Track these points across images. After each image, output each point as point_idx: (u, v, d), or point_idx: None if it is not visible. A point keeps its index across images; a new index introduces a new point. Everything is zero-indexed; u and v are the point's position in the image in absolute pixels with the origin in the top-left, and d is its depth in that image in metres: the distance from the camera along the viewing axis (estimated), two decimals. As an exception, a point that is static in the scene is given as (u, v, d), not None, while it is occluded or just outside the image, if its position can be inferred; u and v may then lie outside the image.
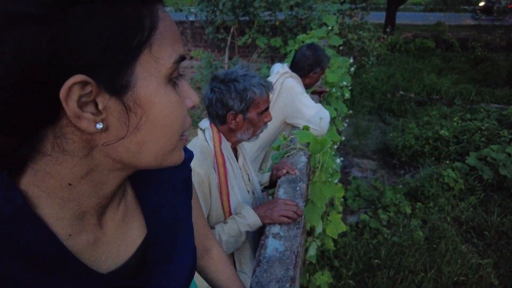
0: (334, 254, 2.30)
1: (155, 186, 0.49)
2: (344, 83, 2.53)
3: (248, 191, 1.18)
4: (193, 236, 0.54)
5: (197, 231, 0.62)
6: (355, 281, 2.16)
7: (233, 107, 1.06)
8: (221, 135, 1.10)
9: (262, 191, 1.34)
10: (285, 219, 1.02)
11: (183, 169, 0.54)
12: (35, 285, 0.33)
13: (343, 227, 1.55)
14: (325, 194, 1.27)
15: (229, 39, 4.67)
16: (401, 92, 5.51)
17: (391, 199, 2.87)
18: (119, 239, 0.43)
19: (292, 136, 1.60)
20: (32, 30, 0.28)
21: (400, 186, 3.16)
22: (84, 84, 0.30)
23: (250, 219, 1.03)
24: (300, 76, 1.95)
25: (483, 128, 3.65)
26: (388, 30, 8.46)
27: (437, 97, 5.45)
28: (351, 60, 2.80)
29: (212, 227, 1.06)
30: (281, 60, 3.71)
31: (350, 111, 3.75)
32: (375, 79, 5.95)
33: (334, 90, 2.43)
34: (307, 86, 2.01)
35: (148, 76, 0.34)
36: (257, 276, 0.77)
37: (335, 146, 2.56)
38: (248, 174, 1.21)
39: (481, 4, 12.49)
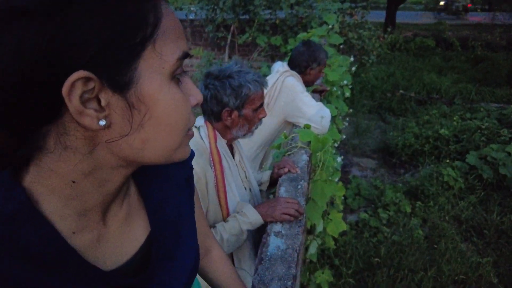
0: (334, 253, 2.31)
1: (159, 183, 0.49)
2: (345, 82, 2.53)
3: (245, 188, 1.18)
4: (196, 234, 0.54)
5: (198, 230, 0.61)
6: (355, 279, 2.16)
7: (228, 103, 1.05)
8: (216, 132, 1.09)
9: (261, 190, 1.34)
10: (286, 217, 1.02)
11: (186, 166, 0.54)
12: (38, 283, 0.32)
13: (344, 226, 1.55)
14: (326, 193, 1.28)
15: (229, 37, 4.67)
16: (401, 91, 5.51)
17: (391, 198, 2.88)
18: (123, 236, 0.43)
19: (293, 135, 1.60)
20: (33, 26, 0.28)
21: (400, 185, 3.16)
22: (86, 80, 0.30)
23: (252, 217, 1.03)
24: (298, 73, 1.94)
25: (483, 127, 3.65)
26: (388, 29, 8.45)
27: (437, 96, 5.45)
28: (352, 59, 2.80)
29: (211, 226, 1.06)
30: (282, 58, 3.70)
31: (351, 110, 3.75)
32: (375, 78, 5.95)
33: (334, 88, 2.43)
34: (307, 83, 2.00)
35: (152, 73, 0.33)
36: (259, 274, 0.77)
37: (336, 145, 2.56)
38: (244, 171, 1.21)
39: (442, 3, 13.05)
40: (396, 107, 5.07)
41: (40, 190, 0.34)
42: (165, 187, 0.49)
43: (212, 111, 1.07)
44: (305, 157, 1.39)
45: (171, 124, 0.36)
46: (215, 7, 4.45)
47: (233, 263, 1.15)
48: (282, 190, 1.17)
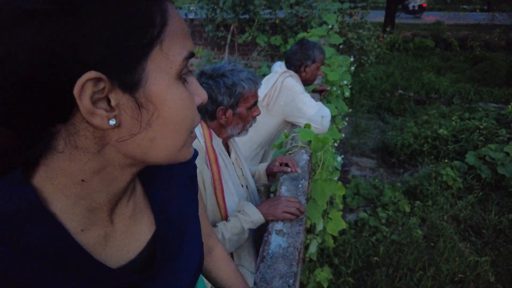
0: (334, 252, 2.32)
1: (164, 182, 0.49)
2: (345, 81, 2.54)
3: (242, 185, 1.19)
4: (200, 232, 0.55)
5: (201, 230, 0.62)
6: (354, 278, 2.17)
7: (222, 102, 1.06)
8: (212, 131, 1.10)
9: (258, 190, 1.34)
10: (288, 216, 1.02)
11: (189, 166, 0.55)
12: (46, 279, 0.33)
13: (343, 224, 1.56)
14: (326, 192, 1.28)
15: (229, 37, 4.67)
16: (400, 91, 5.52)
17: (390, 197, 2.89)
18: (129, 234, 0.43)
19: (293, 134, 1.60)
20: (45, 27, 0.28)
21: (399, 184, 3.17)
22: (97, 80, 0.30)
23: (254, 216, 1.04)
24: (295, 72, 1.95)
25: (482, 127, 3.67)
26: (388, 29, 8.46)
27: (436, 96, 5.47)
28: (352, 59, 2.81)
29: (213, 225, 1.06)
30: (281, 58, 3.71)
31: (350, 110, 3.76)
32: (374, 78, 5.96)
33: (334, 88, 2.44)
34: (305, 82, 1.99)
35: (159, 73, 0.34)
36: (261, 272, 0.78)
37: (335, 144, 2.57)
38: (241, 169, 1.22)
39: None
40: (395, 107, 5.09)
41: (50, 189, 0.34)
42: (170, 186, 0.50)
43: (207, 110, 1.08)
44: (305, 157, 1.40)
45: (178, 122, 0.36)
46: (215, 7, 4.45)
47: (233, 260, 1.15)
48: (283, 189, 1.17)
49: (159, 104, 0.34)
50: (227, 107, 1.07)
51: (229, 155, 1.18)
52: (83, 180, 0.35)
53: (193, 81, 0.40)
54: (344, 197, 2.92)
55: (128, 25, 0.31)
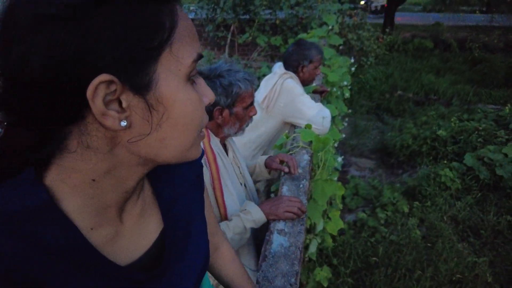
0: (332, 252, 2.33)
1: (171, 181, 0.50)
2: (345, 82, 2.56)
3: (240, 184, 1.20)
4: (207, 231, 0.56)
5: (207, 228, 0.63)
6: (353, 279, 2.18)
7: (219, 102, 1.07)
8: (209, 131, 1.11)
9: (257, 190, 1.35)
10: (290, 215, 1.03)
11: (196, 165, 0.55)
12: (57, 276, 0.34)
13: (341, 224, 1.57)
14: (326, 192, 1.29)
15: (229, 37, 4.67)
16: (399, 92, 5.54)
17: (389, 198, 2.90)
18: (137, 232, 0.44)
19: (294, 135, 1.61)
20: (59, 31, 0.29)
21: (398, 185, 3.19)
22: (109, 83, 0.31)
23: (256, 215, 1.05)
24: (293, 73, 1.95)
25: (480, 128, 3.68)
26: (387, 30, 8.48)
27: (435, 97, 5.49)
28: (352, 60, 2.82)
29: None
30: (281, 59, 3.71)
31: (349, 111, 3.77)
32: (373, 78, 5.97)
33: (334, 89, 2.45)
34: (304, 82, 1.99)
35: (169, 75, 0.35)
36: (264, 270, 0.79)
37: (335, 145, 2.58)
38: (239, 167, 1.23)
39: (362, 2, 13.53)
40: (394, 108, 5.10)
41: (62, 188, 0.35)
42: (177, 185, 0.51)
43: None
44: (306, 157, 1.41)
45: (187, 123, 0.37)
46: (216, 7, 4.45)
47: None
48: (285, 189, 1.18)
49: (169, 106, 0.35)
50: (224, 107, 1.08)
51: (227, 154, 1.19)
52: (94, 180, 0.36)
53: (201, 82, 0.41)
54: (343, 197, 2.93)
55: (139, 29, 0.32)
